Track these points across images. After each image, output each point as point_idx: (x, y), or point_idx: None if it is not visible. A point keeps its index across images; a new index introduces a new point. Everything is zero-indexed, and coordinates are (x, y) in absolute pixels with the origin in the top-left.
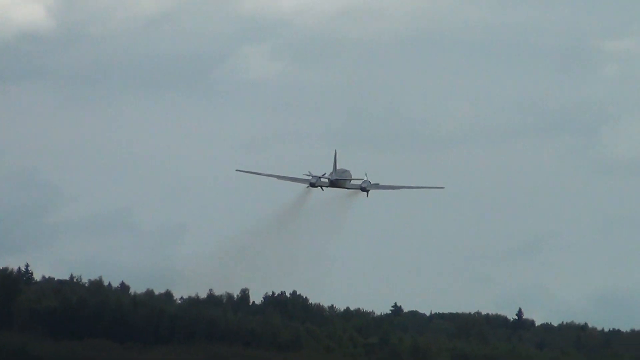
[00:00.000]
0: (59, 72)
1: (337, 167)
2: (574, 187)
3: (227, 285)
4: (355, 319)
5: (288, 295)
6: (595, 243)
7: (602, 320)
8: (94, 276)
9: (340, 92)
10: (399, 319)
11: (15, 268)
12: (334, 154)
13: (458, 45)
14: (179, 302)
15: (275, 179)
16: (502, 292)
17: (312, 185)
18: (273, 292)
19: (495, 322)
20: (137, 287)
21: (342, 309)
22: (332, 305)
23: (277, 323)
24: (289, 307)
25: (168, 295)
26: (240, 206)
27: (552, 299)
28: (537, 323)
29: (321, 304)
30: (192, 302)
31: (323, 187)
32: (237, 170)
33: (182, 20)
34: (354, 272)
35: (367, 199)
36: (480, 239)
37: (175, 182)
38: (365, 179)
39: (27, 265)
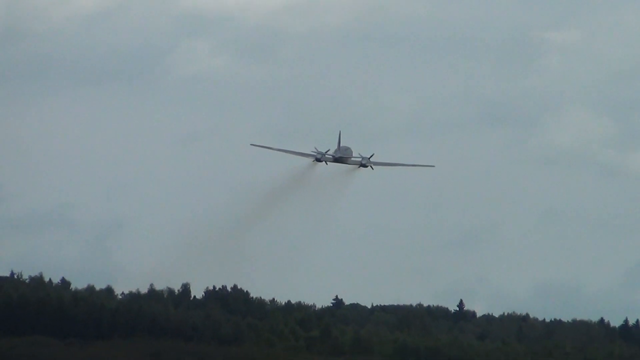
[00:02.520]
0: None
1: (341, 145)
2: (515, 178)
3: (168, 280)
4: (297, 312)
5: (229, 290)
6: (536, 234)
7: (543, 310)
8: (34, 272)
9: (280, 86)
10: (340, 312)
11: None
12: (338, 134)
13: (400, 39)
14: (120, 297)
15: (284, 153)
16: (443, 283)
17: (318, 160)
18: (214, 287)
19: (436, 314)
20: (78, 283)
21: (283, 303)
22: (274, 299)
23: (219, 317)
24: (230, 302)
25: (109, 290)
26: (181, 200)
27: (493, 290)
28: (479, 314)
29: (262, 298)
30: (133, 298)
31: (327, 162)
32: (251, 144)
33: (122, 16)
34: (294, 265)
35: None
36: (421, 231)
37: (115, 177)
38: (365, 156)
39: None
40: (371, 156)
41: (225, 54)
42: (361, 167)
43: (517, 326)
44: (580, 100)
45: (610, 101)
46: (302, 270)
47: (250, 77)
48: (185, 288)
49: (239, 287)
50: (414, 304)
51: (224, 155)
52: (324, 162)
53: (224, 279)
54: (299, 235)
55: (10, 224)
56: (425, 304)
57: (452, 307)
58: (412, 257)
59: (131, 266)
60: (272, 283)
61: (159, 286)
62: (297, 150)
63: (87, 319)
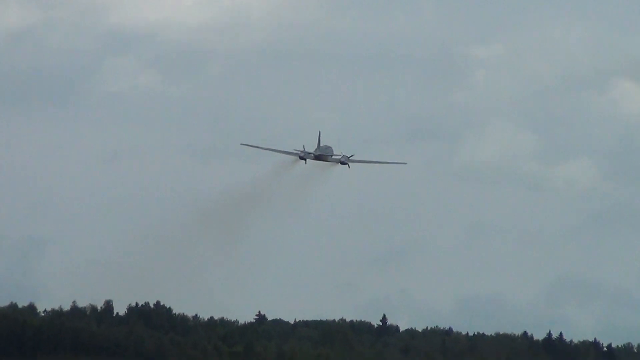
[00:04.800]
0: None
1: (321, 145)
2: (439, 193)
3: (91, 297)
4: (220, 328)
5: (152, 306)
6: (460, 248)
7: (466, 324)
8: None
9: (205, 103)
10: (263, 327)
11: None
12: (318, 134)
13: (325, 56)
14: (43, 314)
15: (272, 152)
16: (366, 298)
17: (301, 158)
18: (137, 303)
19: (359, 329)
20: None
21: (206, 319)
22: (196, 315)
23: (141, 333)
24: (152, 318)
25: (31, 307)
26: (103, 217)
27: (416, 305)
28: (402, 328)
29: (185, 314)
30: (56, 315)
31: (307, 160)
32: (241, 144)
33: (47, 33)
34: (217, 281)
35: None
36: (344, 247)
37: (39, 194)
38: (344, 154)
39: None
40: (351, 156)
41: (150, 71)
42: (341, 164)
43: (440, 340)
44: (504, 114)
45: (533, 115)
46: (225, 286)
47: (174, 94)
48: (108, 304)
49: (161, 304)
50: (337, 319)
51: (148, 171)
52: (305, 160)
53: (147, 296)
54: (220, 251)
55: None
56: (348, 319)
57: (375, 321)
58: (335, 272)
59: (54, 283)
60: (195, 299)
61: (82, 303)
62: (283, 149)
63: (10, 336)
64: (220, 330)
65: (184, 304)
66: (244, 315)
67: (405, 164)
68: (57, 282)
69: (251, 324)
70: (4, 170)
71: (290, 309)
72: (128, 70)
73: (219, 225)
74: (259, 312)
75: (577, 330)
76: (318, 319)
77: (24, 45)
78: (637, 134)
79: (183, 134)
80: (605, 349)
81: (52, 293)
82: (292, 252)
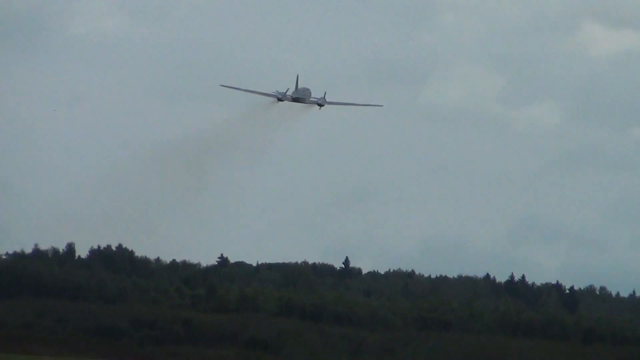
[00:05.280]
0: None
1: (299, 87)
2: (403, 134)
3: (53, 240)
4: (182, 270)
5: (114, 249)
6: (423, 190)
7: (429, 267)
8: None
9: (172, 46)
10: (226, 270)
11: None
12: (296, 76)
13: None
14: (4, 257)
15: (251, 93)
16: (328, 241)
17: (279, 99)
18: (99, 246)
19: (322, 271)
20: None
21: (168, 262)
22: (158, 258)
23: (103, 277)
24: (115, 261)
25: None
26: (65, 159)
27: (379, 247)
28: (364, 271)
29: (147, 257)
30: (17, 258)
31: (286, 100)
32: (221, 85)
33: None
34: (179, 224)
35: None
36: (306, 188)
37: None
38: (322, 96)
39: None
40: (324, 95)
41: (118, 12)
42: (318, 106)
43: (403, 283)
44: (470, 56)
45: (500, 58)
46: (187, 229)
47: (143, 37)
48: (70, 247)
49: (123, 247)
50: (300, 262)
51: (112, 114)
52: (283, 101)
53: (109, 238)
54: (183, 194)
55: None
56: (310, 262)
57: (338, 264)
58: (298, 215)
59: (15, 226)
60: (157, 242)
61: (44, 246)
62: (261, 91)
63: None
64: (183, 273)
65: (146, 247)
66: (206, 259)
67: (382, 106)
68: (19, 225)
69: (213, 266)
70: None
71: (253, 251)
72: (98, 13)
73: (183, 168)
74: (221, 255)
75: (540, 272)
76: (280, 261)
77: None
78: (603, 77)
79: (149, 76)
80: (567, 291)
81: (14, 236)
82: (255, 194)
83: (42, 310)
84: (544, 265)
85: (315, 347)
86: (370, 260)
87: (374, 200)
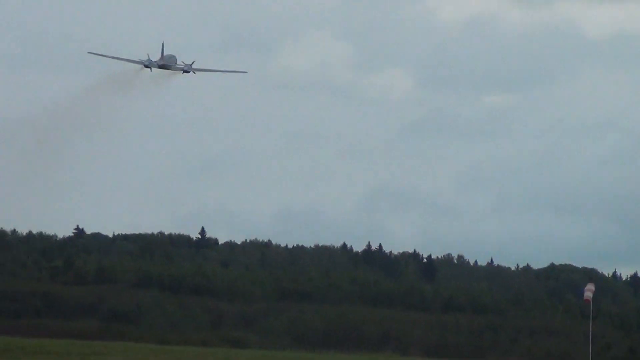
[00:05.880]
0: None
1: (165, 54)
2: (254, 103)
3: None
4: (39, 242)
5: None
6: (277, 160)
7: (285, 236)
8: None
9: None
10: (82, 241)
11: None
12: (162, 44)
13: None
14: None
15: (116, 60)
16: (184, 211)
17: (146, 66)
18: None
19: (178, 242)
20: None
21: (24, 233)
22: (15, 230)
23: None
24: None
25: None
26: None
27: (234, 218)
28: (221, 242)
29: (3, 229)
30: None
31: (152, 69)
32: (88, 52)
33: None
34: (35, 195)
35: None
36: (161, 158)
37: None
38: (188, 63)
39: None
40: (192, 62)
41: None
42: (184, 73)
43: (260, 253)
44: (318, 23)
45: (348, 24)
46: (43, 200)
47: None
48: None
49: None
50: (156, 233)
51: None
52: (150, 68)
53: None
54: (37, 164)
55: None
56: (167, 232)
57: (194, 234)
58: (153, 184)
59: None
60: (12, 213)
61: None
62: (128, 58)
63: None
64: (39, 245)
65: (1, 219)
66: (63, 230)
67: (246, 72)
68: None
69: (70, 238)
70: None
71: (109, 222)
72: None
73: (38, 138)
74: (77, 226)
75: (397, 241)
76: (137, 232)
77: None
78: (451, 44)
79: None
80: (425, 260)
81: None
82: (110, 164)
83: None
84: (401, 234)
85: (175, 319)
86: (226, 231)
87: (230, 170)
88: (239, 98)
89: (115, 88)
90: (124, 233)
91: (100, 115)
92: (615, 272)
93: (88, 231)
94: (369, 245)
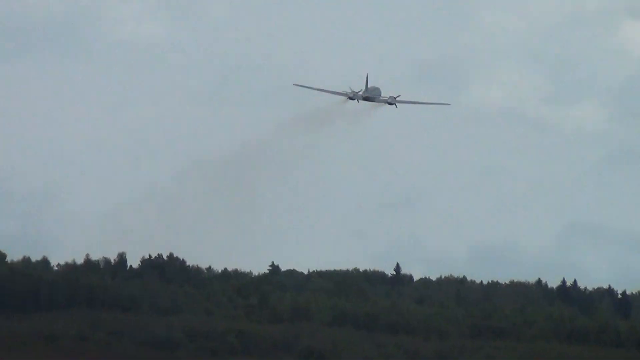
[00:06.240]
0: None
1: (369, 86)
2: (449, 137)
3: (104, 250)
4: (234, 279)
5: (165, 258)
6: (472, 195)
7: (480, 272)
8: None
9: (209, 49)
10: (277, 279)
11: None
12: (366, 76)
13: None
14: (56, 268)
15: (324, 92)
16: (379, 247)
17: (350, 98)
18: (150, 255)
19: (373, 278)
20: (13, 255)
21: (219, 270)
22: (210, 267)
23: (156, 287)
24: (166, 270)
25: (45, 262)
26: (115, 168)
27: (429, 254)
28: (416, 278)
29: (199, 266)
30: (70, 269)
31: (359, 100)
32: (294, 84)
33: None
34: (230, 232)
35: None
36: (356, 194)
37: (49, 146)
38: (392, 95)
39: None
40: (398, 96)
41: (155, 18)
42: (388, 105)
43: (454, 289)
44: (513, 56)
45: (542, 57)
46: (238, 237)
47: (179, 40)
48: (122, 257)
49: (175, 256)
50: (351, 269)
51: (156, 120)
52: (355, 100)
53: (160, 248)
54: (233, 202)
55: None
56: (362, 269)
57: (389, 271)
58: (348, 221)
59: (67, 236)
60: (208, 251)
61: (95, 256)
62: (333, 90)
63: (24, 291)
64: (235, 282)
65: (197, 256)
66: (258, 267)
67: (449, 104)
68: (70, 235)
69: (265, 275)
70: (11, 122)
71: (304, 259)
72: (131, 17)
73: (232, 175)
74: (272, 262)
75: (592, 277)
76: (332, 269)
77: None
78: None
79: (188, 80)
80: (620, 295)
81: (65, 247)
82: (303, 201)
83: (95, 321)
84: (596, 269)
85: (371, 357)
86: (421, 267)
87: (423, 206)
88: (433, 131)
89: (315, 123)
90: (318, 270)
91: (298, 151)
92: None
93: (283, 268)
94: (563, 281)
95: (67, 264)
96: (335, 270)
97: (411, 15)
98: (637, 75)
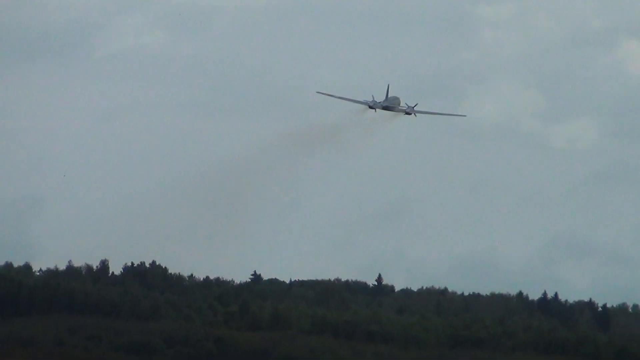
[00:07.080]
0: None
1: (389, 96)
2: (437, 151)
3: (87, 257)
4: (215, 288)
5: (147, 265)
6: (455, 207)
7: (461, 284)
8: None
9: (209, 61)
10: (259, 287)
11: None
12: (387, 86)
13: (330, 13)
14: (38, 274)
15: (344, 100)
16: (361, 258)
17: (370, 107)
18: (132, 263)
19: (355, 289)
20: None
21: (201, 278)
22: (192, 275)
23: (137, 293)
24: (148, 277)
25: (27, 267)
26: (99, 176)
27: (411, 265)
28: (397, 288)
29: (181, 274)
30: (51, 274)
31: (376, 110)
32: (317, 92)
33: None
34: (213, 240)
35: None
36: (339, 205)
37: (33, 152)
38: (410, 105)
39: None
40: (415, 105)
41: (156, 30)
42: (406, 115)
43: (435, 300)
44: (507, 73)
45: (538, 74)
46: (220, 245)
47: (179, 53)
48: (104, 264)
49: (157, 263)
50: (332, 279)
51: (146, 131)
52: (374, 109)
53: (142, 255)
54: (215, 211)
55: None
56: (343, 279)
57: (371, 281)
58: (331, 231)
59: (49, 243)
60: (191, 259)
61: (77, 263)
62: (353, 98)
63: (5, 295)
64: (216, 290)
65: (180, 264)
66: (240, 275)
67: (465, 115)
68: (53, 242)
69: (246, 283)
70: (1, 128)
71: (286, 269)
72: (133, 29)
73: (214, 184)
74: (255, 271)
75: (573, 290)
76: (314, 278)
77: (29, 4)
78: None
79: (185, 91)
80: (600, 309)
81: (48, 253)
82: (287, 211)
83: (74, 326)
84: (577, 282)
85: None
86: (402, 278)
87: (407, 217)
88: (421, 144)
89: (306, 137)
90: (300, 279)
91: (283, 163)
92: None
93: (265, 277)
94: (544, 294)
95: (49, 270)
96: (317, 280)
97: (411, 31)
98: (632, 94)
